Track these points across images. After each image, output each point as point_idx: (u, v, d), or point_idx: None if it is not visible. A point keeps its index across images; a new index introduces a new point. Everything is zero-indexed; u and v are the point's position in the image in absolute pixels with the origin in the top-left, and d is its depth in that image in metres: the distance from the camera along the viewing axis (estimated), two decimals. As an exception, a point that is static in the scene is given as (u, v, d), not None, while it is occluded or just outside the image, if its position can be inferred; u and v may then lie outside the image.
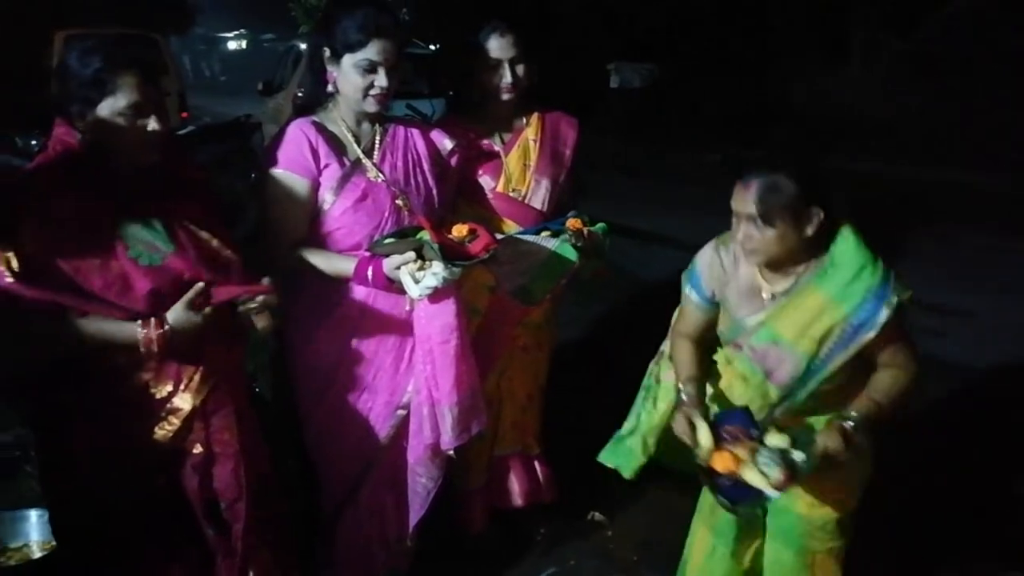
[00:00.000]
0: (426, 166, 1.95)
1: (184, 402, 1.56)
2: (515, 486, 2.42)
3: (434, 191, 1.95)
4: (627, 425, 1.97)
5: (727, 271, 1.74)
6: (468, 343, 1.88)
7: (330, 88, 1.85)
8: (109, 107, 1.46)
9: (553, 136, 2.26)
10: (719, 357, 1.82)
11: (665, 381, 1.93)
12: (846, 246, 1.61)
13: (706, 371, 1.82)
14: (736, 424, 1.62)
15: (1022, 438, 3.15)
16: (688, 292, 1.82)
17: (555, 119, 2.29)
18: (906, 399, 1.67)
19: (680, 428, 1.68)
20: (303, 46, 8.65)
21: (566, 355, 2.53)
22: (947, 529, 2.61)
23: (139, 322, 1.46)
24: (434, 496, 1.96)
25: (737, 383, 1.75)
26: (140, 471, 1.57)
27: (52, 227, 1.43)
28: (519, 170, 2.20)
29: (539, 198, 2.22)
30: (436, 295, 1.75)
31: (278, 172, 1.79)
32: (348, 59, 1.78)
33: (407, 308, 1.87)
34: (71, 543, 1.65)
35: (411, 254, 1.72)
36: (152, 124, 1.49)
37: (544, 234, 2.11)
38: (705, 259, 1.78)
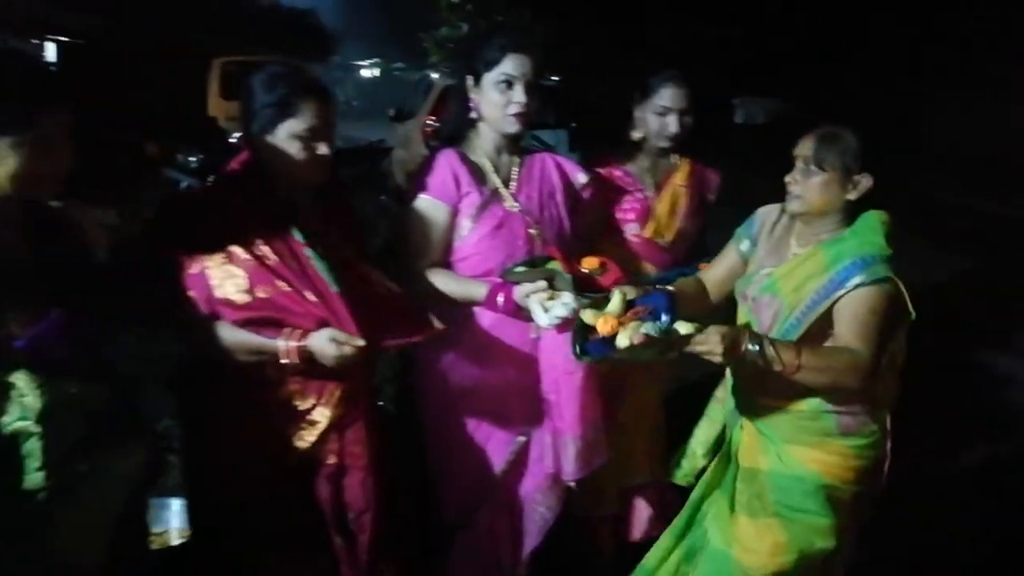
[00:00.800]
0: (559, 198, 1.98)
1: (322, 416, 1.64)
2: (644, 517, 2.38)
3: (566, 222, 1.98)
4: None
5: (774, 226, 1.80)
6: (594, 375, 1.88)
7: (473, 115, 1.92)
8: (288, 129, 1.56)
9: (700, 183, 2.31)
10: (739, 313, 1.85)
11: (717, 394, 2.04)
12: (866, 225, 1.65)
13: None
14: (648, 304, 1.62)
15: None
16: (739, 233, 1.88)
17: (702, 169, 2.34)
18: (832, 381, 1.55)
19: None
20: (434, 75, 9.04)
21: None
22: None
23: (284, 334, 1.53)
24: (560, 522, 1.96)
25: None
26: (276, 476, 1.65)
27: (237, 243, 1.53)
28: (667, 216, 2.25)
29: (681, 243, 2.26)
30: (564, 325, 1.77)
31: (423, 198, 1.87)
32: (487, 78, 1.84)
33: (533, 335, 1.89)
34: (207, 536, 1.75)
35: (543, 283, 1.76)
36: (322, 149, 1.59)
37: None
38: (766, 209, 1.85)
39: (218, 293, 1.51)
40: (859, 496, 1.73)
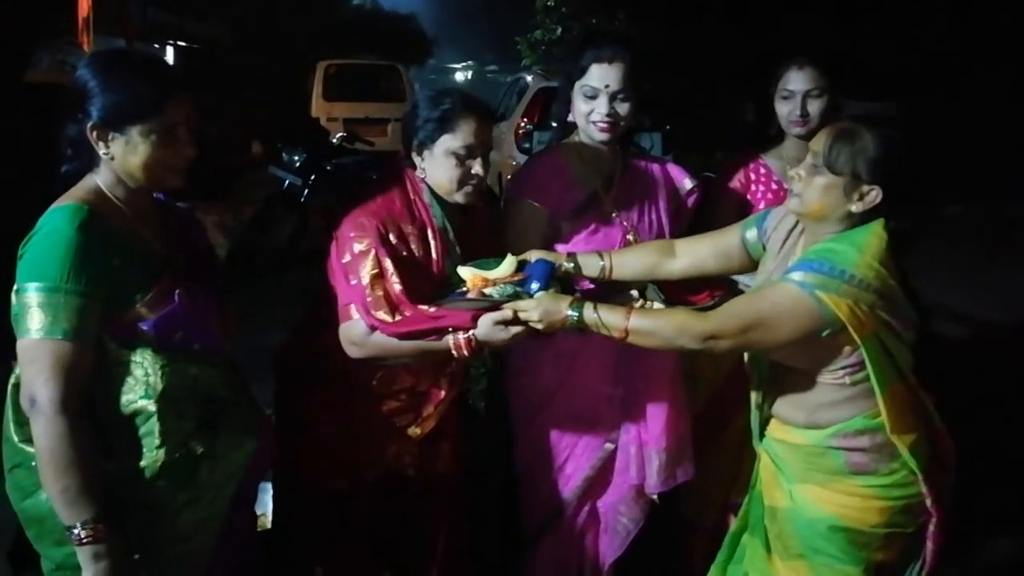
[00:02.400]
0: (661, 204, 1.95)
1: (418, 430, 1.69)
2: None
3: (666, 229, 1.94)
4: None
5: (789, 232, 1.64)
6: (681, 388, 1.85)
7: (571, 118, 1.91)
8: (446, 144, 1.60)
9: None
10: None
11: None
12: (857, 236, 1.44)
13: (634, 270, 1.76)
14: (527, 272, 1.60)
15: None
16: (748, 222, 1.73)
17: None
18: (662, 343, 1.48)
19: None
20: (528, 78, 9.06)
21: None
22: None
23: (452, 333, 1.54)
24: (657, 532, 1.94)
25: None
26: (360, 482, 1.70)
27: (399, 256, 1.58)
28: None
29: None
30: None
31: (520, 201, 1.88)
32: (576, 86, 1.84)
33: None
34: (287, 530, 1.81)
35: (635, 292, 1.74)
36: (476, 168, 1.62)
37: None
38: (782, 211, 1.66)
39: (374, 311, 1.53)
40: (894, 536, 1.52)
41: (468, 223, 1.73)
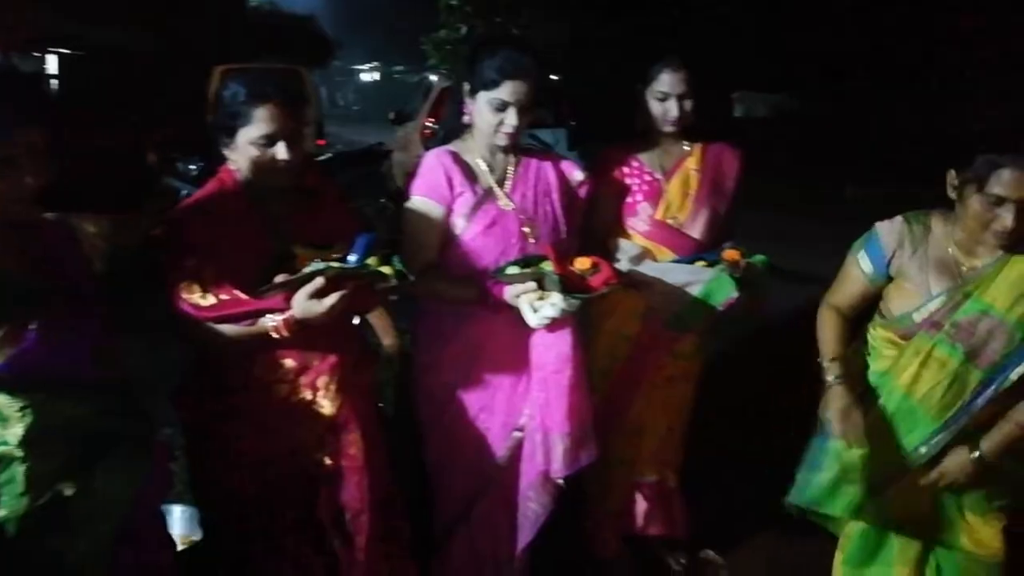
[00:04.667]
0: (555, 196, 2.00)
1: (322, 410, 1.67)
2: (648, 514, 2.41)
3: (561, 221, 2.00)
4: (827, 469, 1.86)
5: (915, 244, 1.75)
6: (583, 374, 1.90)
7: (466, 120, 1.95)
8: (245, 136, 1.60)
9: (716, 167, 2.28)
10: (908, 348, 1.74)
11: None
12: None
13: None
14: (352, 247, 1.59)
15: None
16: (861, 259, 1.83)
17: (718, 150, 2.31)
18: None
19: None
20: (434, 78, 9.05)
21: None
22: None
23: (269, 315, 1.56)
24: (563, 517, 1.98)
25: (929, 370, 1.69)
26: (277, 480, 1.68)
27: (210, 251, 1.58)
28: (679, 199, 2.23)
29: (697, 228, 2.23)
30: (554, 325, 1.80)
31: (415, 198, 1.90)
32: (483, 96, 1.87)
33: (527, 332, 1.91)
34: (212, 537, 1.79)
35: (532, 284, 1.78)
36: (280, 153, 1.60)
37: (699, 264, 2.14)
38: (891, 229, 1.79)
39: (185, 295, 1.55)
40: None
41: (313, 206, 1.73)
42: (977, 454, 1.63)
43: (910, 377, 1.70)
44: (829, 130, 12.21)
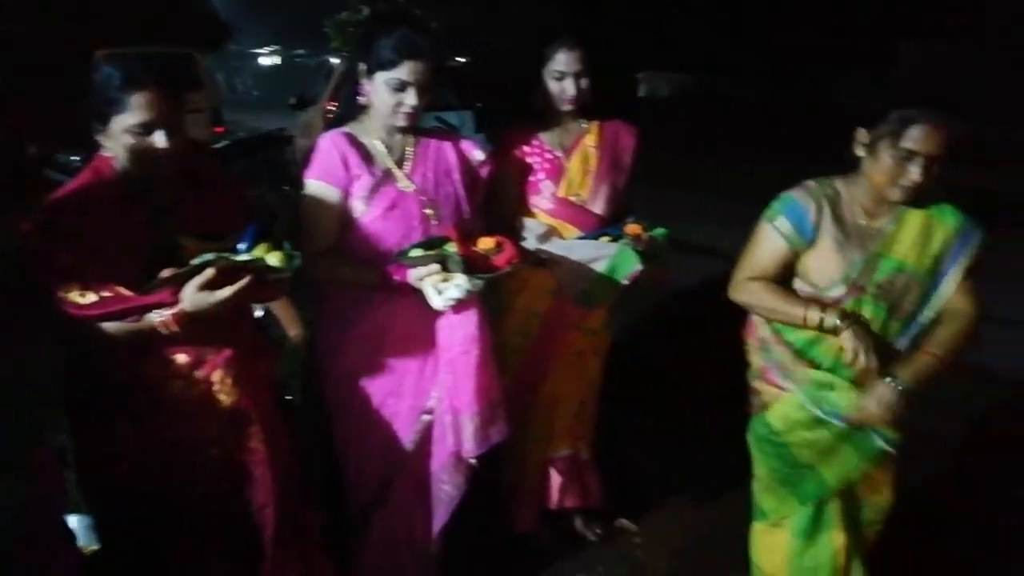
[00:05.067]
0: (456, 176, 1.98)
1: (219, 405, 1.62)
2: (564, 488, 2.45)
3: (463, 201, 1.98)
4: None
5: (831, 206, 1.80)
6: (490, 354, 1.91)
7: (363, 101, 1.90)
8: (120, 123, 1.51)
9: (613, 144, 2.32)
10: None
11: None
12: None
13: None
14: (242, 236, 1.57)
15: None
16: (780, 225, 1.80)
17: (615, 127, 2.34)
18: (963, 349, 1.72)
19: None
20: (335, 61, 8.81)
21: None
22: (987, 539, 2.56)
23: (156, 311, 1.49)
24: (485, 494, 2.00)
25: None
26: (175, 477, 1.62)
27: (86, 245, 1.49)
28: (580, 176, 2.26)
29: (599, 203, 2.27)
30: (459, 306, 1.79)
31: (311, 182, 1.85)
32: (380, 76, 1.83)
33: (432, 314, 1.89)
34: (113, 545, 1.70)
35: (435, 266, 1.77)
36: (160, 141, 1.52)
37: (604, 239, 2.18)
38: (806, 192, 1.82)
39: (63, 294, 1.47)
40: None
41: (200, 195, 1.66)
42: (898, 384, 1.69)
43: (840, 342, 1.75)
44: (729, 108, 12.65)
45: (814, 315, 1.73)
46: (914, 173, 1.67)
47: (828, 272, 1.78)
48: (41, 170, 5.45)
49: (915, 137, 1.65)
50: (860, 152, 1.77)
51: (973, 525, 2.63)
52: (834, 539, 1.89)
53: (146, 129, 1.51)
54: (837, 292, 1.78)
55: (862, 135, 1.76)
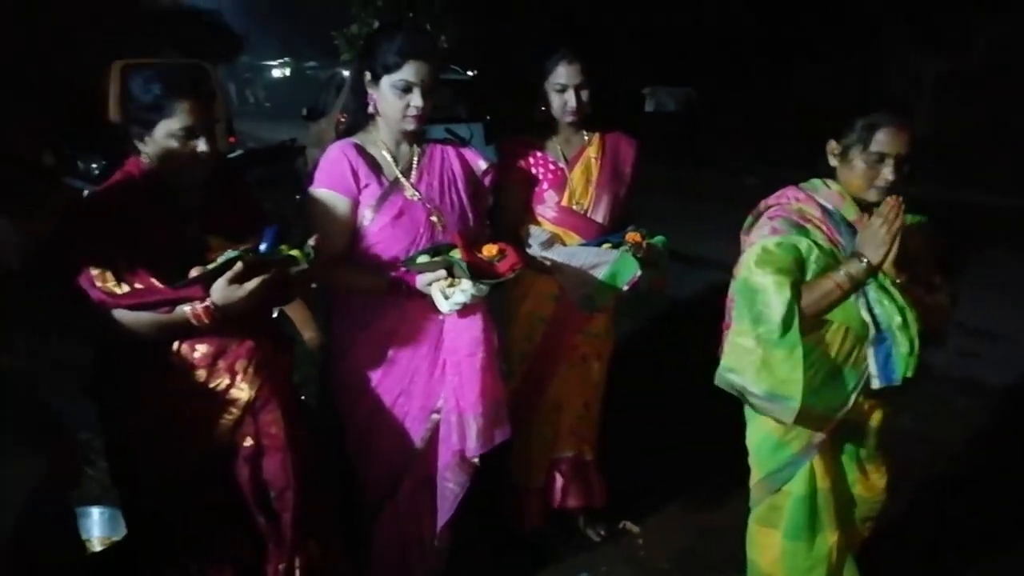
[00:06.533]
0: (461, 185, 2.06)
1: (241, 392, 1.70)
2: (568, 488, 2.52)
3: (468, 209, 2.06)
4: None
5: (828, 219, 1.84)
6: (494, 357, 1.99)
7: (371, 110, 1.98)
8: (164, 129, 1.62)
9: (613, 155, 2.42)
10: (837, 315, 1.80)
11: None
12: None
13: None
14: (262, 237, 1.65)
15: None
16: (796, 240, 1.80)
17: (615, 139, 2.44)
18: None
19: None
20: (345, 73, 8.94)
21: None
22: (980, 547, 2.61)
23: (187, 304, 1.59)
24: (491, 493, 2.08)
25: (853, 332, 1.80)
26: (199, 463, 1.70)
27: (121, 240, 1.59)
28: (582, 185, 2.35)
29: (600, 212, 2.36)
30: (464, 310, 1.87)
31: (320, 191, 1.93)
32: (386, 80, 1.90)
33: (440, 318, 1.97)
34: (140, 530, 1.79)
35: (442, 272, 1.85)
36: (201, 146, 1.64)
37: (605, 246, 2.26)
38: (800, 204, 1.85)
39: (99, 284, 1.56)
40: None
41: (222, 200, 1.77)
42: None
43: (838, 343, 1.81)
44: (731, 120, 12.73)
45: (841, 278, 1.74)
46: (887, 173, 1.75)
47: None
48: (59, 177, 5.59)
49: (883, 140, 1.74)
50: (833, 162, 1.85)
51: (971, 526, 2.68)
52: (828, 538, 1.93)
53: (189, 133, 1.62)
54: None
55: (832, 146, 1.84)
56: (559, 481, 2.52)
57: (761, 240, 1.82)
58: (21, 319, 1.50)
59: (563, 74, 2.27)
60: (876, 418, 1.92)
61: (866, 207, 1.83)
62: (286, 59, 33.57)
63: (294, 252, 1.64)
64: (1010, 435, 3.45)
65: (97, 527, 2.32)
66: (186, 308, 1.59)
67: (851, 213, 1.84)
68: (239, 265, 1.55)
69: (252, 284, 1.57)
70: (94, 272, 1.56)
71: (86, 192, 5.40)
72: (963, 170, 10.20)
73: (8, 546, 1.36)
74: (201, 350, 1.68)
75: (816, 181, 1.90)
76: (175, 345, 1.66)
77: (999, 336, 4.69)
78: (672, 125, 13.85)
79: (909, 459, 1.96)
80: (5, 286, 1.45)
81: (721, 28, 13.21)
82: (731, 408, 2.02)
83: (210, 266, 1.56)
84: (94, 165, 5.65)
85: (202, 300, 1.58)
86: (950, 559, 2.51)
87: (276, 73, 34.16)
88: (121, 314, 1.58)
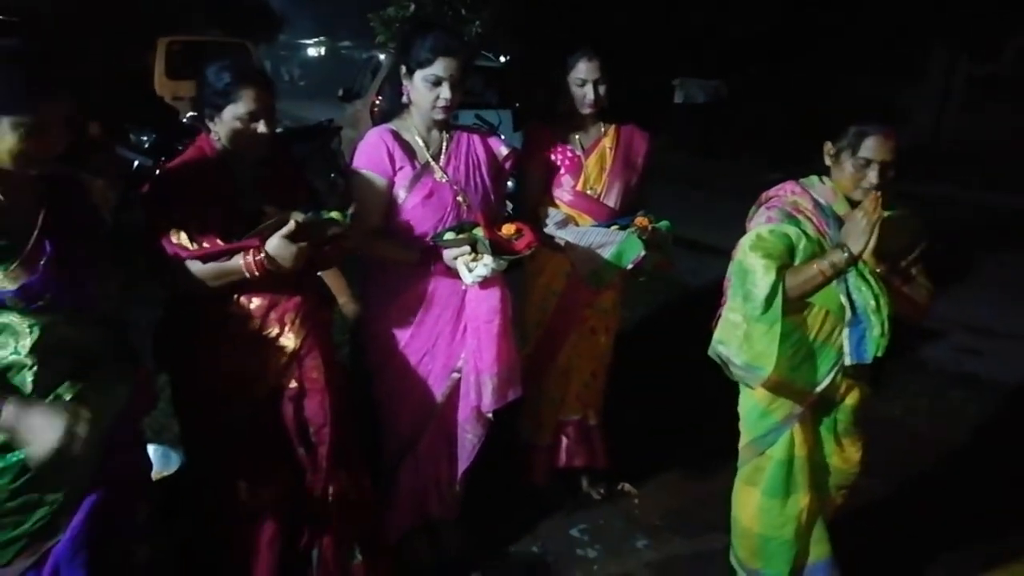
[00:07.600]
0: (484, 169, 2.28)
1: (289, 340, 1.96)
2: (573, 449, 2.78)
3: (490, 191, 2.29)
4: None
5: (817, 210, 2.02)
6: (509, 324, 2.21)
7: (405, 99, 2.20)
8: (231, 113, 1.86)
9: (627, 146, 2.64)
10: (817, 299, 1.99)
11: None
12: None
13: None
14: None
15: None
16: (786, 228, 1.99)
17: (629, 131, 2.66)
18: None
19: None
20: (382, 56, 9.14)
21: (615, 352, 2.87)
22: (979, 539, 2.70)
23: (242, 253, 1.82)
24: (500, 449, 2.30)
25: (833, 314, 2.00)
26: (253, 401, 1.96)
27: (192, 204, 1.84)
28: (596, 172, 2.58)
29: (612, 197, 2.59)
30: (485, 282, 2.11)
31: (360, 170, 2.16)
32: (419, 74, 2.12)
33: (463, 288, 2.21)
34: (197, 459, 2.06)
35: (467, 247, 2.08)
36: (261, 127, 1.88)
37: (614, 228, 2.50)
38: (793, 198, 2.05)
39: (175, 240, 1.81)
40: None
41: (274, 174, 2.00)
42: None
43: (818, 324, 2.02)
44: (759, 114, 12.72)
45: (825, 265, 1.90)
46: (872, 178, 1.94)
47: None
48: (109, 148, 5.88)
49: (870, 147, 1.93)
50: (828, 162, 2.05)
51: (968, 524, 2.78)
52: (801, 499, 2.15)
53: (252, 117, 1.86)
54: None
55: (828, 147, 2.04)
56: (565, 442, 2.77)
57: (757, 227, 2.04)
58: (117, 269, 1.72)
59: (583, 70, 2.48)
60: (853, 397, 2.13)
61: (855, 204, 2.02)
62: (321, 38, 33.81)
63: (335, 214, 1.89)
64: (1003, 427, 3.59)
65: (152, 462, 2.59)
66: (240, 260, 1.82)
67: (841, 208, 2.03)
68: (292, 223, 1.79)
69: (303, 244, 1.80)
70: (171, 231, 1.82)
71: (137, 163, 5.71)
72: (991, 173, 10.18)
73: (98, 464, 1.59)
74: (256, 302, 1.93)
75: (813, 178, 2.10)
76: (235, 296, 1.91)
77: (1009, 336, 4.76)
78: (700, 117, 13.90)
79: (896, 447, 2.10)
80: (104, 239, 1.69)
81: (755, 21, 13.17)
82: (728, 385, 2.18)
83: (268, 222, 1.80)
84: (144, 137, 5.94)
85: (256, 252, 1.81)
86: (927, 540, 2.65)
87: (311, 52, 34.41)
88: (190, 263, 1.83)
